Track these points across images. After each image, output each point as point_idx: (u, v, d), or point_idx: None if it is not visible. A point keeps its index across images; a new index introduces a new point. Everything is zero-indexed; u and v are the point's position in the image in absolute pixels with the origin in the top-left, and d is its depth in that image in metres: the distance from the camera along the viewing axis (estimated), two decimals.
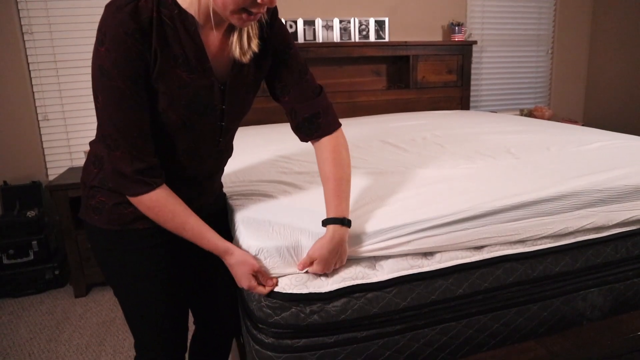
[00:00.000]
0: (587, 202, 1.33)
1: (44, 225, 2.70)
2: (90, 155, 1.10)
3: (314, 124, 1.14)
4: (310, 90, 1.15)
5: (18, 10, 2.72)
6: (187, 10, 0.94)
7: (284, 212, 1.23)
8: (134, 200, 1.00)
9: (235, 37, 1.00)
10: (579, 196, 1.32)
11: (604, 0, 3.89)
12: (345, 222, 1.07)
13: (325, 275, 1.09)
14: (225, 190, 1.43)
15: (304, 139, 1.17)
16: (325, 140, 1.14)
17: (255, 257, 1.06)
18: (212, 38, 1.00)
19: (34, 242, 2.63)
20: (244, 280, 1.05)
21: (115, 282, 1.14)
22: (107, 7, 0.88)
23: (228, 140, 1.16)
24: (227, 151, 1.20)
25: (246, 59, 1.01)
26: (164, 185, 1.00)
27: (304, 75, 1.15)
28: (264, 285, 1.06)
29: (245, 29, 1.00)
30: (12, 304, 2.57)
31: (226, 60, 1.03)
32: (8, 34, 2.72)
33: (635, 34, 3.64)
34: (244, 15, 0.91)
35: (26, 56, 2.78)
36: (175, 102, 0.97)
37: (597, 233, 1.35)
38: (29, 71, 2.80)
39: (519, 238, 1.25)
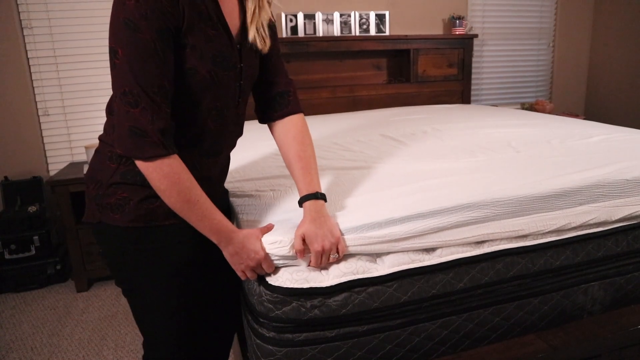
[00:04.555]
0: (589, 197, 1.33)
1: (45, 221, 2.70)
2: (105, 151, 1.05)
3: (284, 100, 1.20)
4: (284, 68, 1.23)
5: (17, 5, 2.71)
6: None
7: (286, 207, 1.23)
8: (148, 165, 0.94)
9: (251, 18, 1.06)
10: (582, 192, 1.32)
11: None
12: (319, 196, 1.10)
13: (325, 269, 1.09)
14: (226, 187, 1.43)
15: (270, 116, 1.21)
16: (294, 119, 1.20)
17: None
18: (225, 1, 1.04)
19: (36, 237, 2.64)
20: (255, 253, 1.03)
21: (133, 282, 1.10)
22: None
23: (244, 103, 1.16)
24: (243, 118, 1.20)
25: (265, 50, 1.11)
26: (178, 157, 0.98)
27: (280, 53, 1.22)
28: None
29: (261, 21, 1.08)
30: (14, 298, 2.58)
31: (237, 24, 1.08)
32: (7, 29, 2.71)
33: (637, 28, 3.63)
34: None
35: (26, 51, 2.78)
36: (205, 55, 0.99)
37: (598, 227, 1.35)
38: (29, 66, 2.80)
39: (523, 234, 1.25)
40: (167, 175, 0.95)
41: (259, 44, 1.10)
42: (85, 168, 2.65)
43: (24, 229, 2.63)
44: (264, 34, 1.10)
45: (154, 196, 1.01)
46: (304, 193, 1.12)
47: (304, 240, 1.04)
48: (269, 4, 1.12)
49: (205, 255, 1.16)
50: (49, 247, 2.69)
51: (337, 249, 1.06)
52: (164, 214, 1.04)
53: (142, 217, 1.03)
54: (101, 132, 1.10)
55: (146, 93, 0.91)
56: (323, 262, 1.06)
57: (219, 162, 1.16)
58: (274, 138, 1.24)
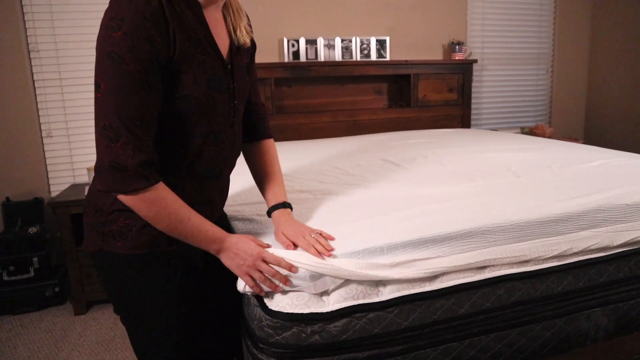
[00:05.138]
0: (591, 222, 1.33)
1: (45, 242, 2.70)
2: None
3: (261, 125, 1.30)
4: (260, 92, 1.31)
5: (25, 29, 2.77)
6: None
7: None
8: (133, 198, 0.94)
9: (239, 23, 1.10)
10: (583, 217, 1.32)
11: (602, 19, 3.93)
12: (286, 205, 1.22)
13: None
14: (226, 211, 1.43)
15: (246, 138, 1.29)
16: (266, 142, 1.31)
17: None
18: (212, 20, 1.05)
19: (35, 259, 2.63)
20: (251, 249, 1.03)
21: (134, 310, 1.09)
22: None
23: (238, 123, 1.17)
24: (239, 138, 1.21)
25: (248, 44, 1.13)
26: (162, 183, 0.98)
27: (257, 78, 1.29)
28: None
29: (244, 20, 1.11)
30: (11, 321, 2.56)
31: (226, 42, 1.09)
32: (15, 52, 2.75)
33: (635, 52, 3.68)
34: None
35: (32, 73, 2.82)
36: (198, 80, 0.99)
37: (600, 253, 1.34)
38: (34, 88, 2.83)
39: (525, 259, 1.24)
40: (154, 202, 0.95)
41: (243, 39, 1.11)
42: (87, 190, 2.66)
43: (23, 250, 2.62)
44: (247, 29, 1.13)
45: None
46: (272, 203, 1.21)
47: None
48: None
49: (206, 282, 1.16)
50: (48, 268, 2.68)
51: (315, 232, 1.11)
52: (166, 240, 1.03)
53: (145, 243, 1.03)
54: None
55: (127, 127, 0.90)
56: (312, 241, 1.08)
57: (220, 183, 1.17)
58: (244, 155, 1.32)
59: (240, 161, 1.53)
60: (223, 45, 1.08)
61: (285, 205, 1.21)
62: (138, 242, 1.02)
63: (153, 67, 0.91)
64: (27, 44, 2.79)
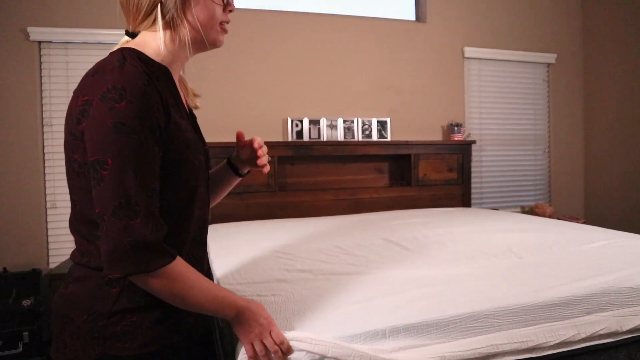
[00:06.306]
0: (597, 306, 1.31)
1: (38, 315, 2.62)
2: (95, 277, 0.92)
3: None
4: None
5: (42, 105, 2.90)
6: (162, 62, 0.97)
7: (288, 313, 1.21)
8: (156, 278, 0.86)
9: (187, 88, 1.11)
10: (588, 300, 1.30)
11: (594, 100, 4.09)
12: None
13: None
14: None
15: None
16: None
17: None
18: (177, 84, 1.04)
19: (25, 334, 2.54)
20: (265, 318, 1.00)
21: None
22: (104, 69, 0.87)
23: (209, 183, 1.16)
24: (210, 199, 1.20)
25: (197, 106, 1.14)
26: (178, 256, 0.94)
27: None
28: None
29: (188, 84, 1.13)
30: None
31: (186, 106, 1.08)
32: (29, 126, 2.87)
33: (629, 130, 3.77)
34: (223, 27, 1.01)
35: (43, 146, 2.90)
36: (189, 144, 0.96)
37: (609, 338, 1.30)
38: (44, 160, 2.91)
39: (531, 345, 1.20)
40: (176, 278, 0.89)
41: (193, 103, 1.11)
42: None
43: (14, 323, 2.54)
44: (193, 92, 1.13)
45: (171, 313, 0.95)
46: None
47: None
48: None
49: None
50: (39, 343, 2.58)
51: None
52: (175, 331, 0.98)
53: (157, 339, 0.94)
54: None
55: (144, 200, 0.84)
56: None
57: (205, 250, 1.13)
58: None
59: (242, 240, 1.54)
60: (187, 109, 1.08)
61: None
62: (149, 339, 0.92)
63: (157, 134, 0.88)
64: (42, 119, 2.90)
